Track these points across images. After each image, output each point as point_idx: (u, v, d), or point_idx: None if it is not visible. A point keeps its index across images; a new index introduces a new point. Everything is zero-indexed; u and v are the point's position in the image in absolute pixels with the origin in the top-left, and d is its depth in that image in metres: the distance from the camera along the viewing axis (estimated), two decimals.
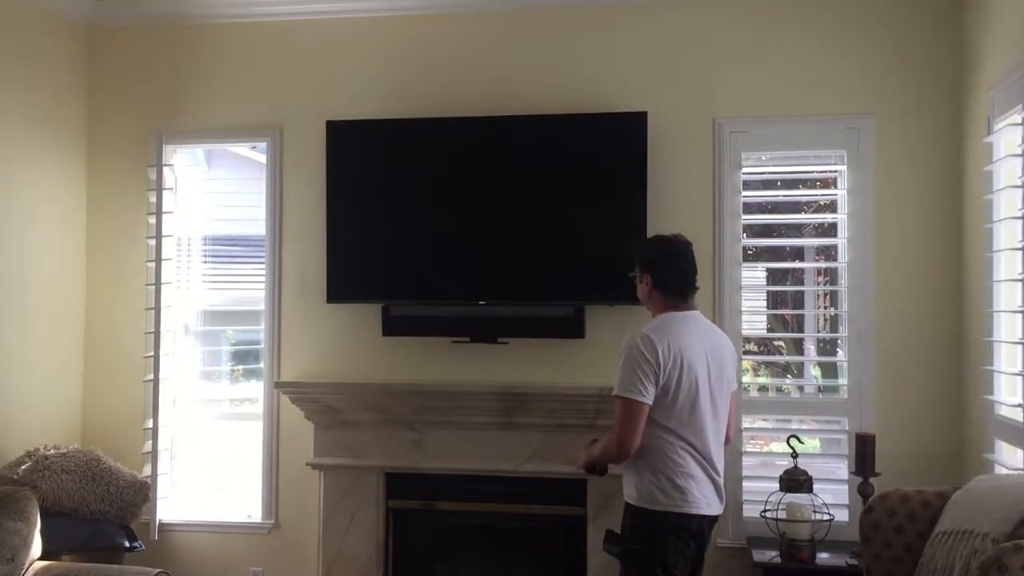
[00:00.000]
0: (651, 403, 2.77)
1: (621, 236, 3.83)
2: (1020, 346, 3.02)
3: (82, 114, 4.35)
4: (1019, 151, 2.99)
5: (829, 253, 4.34)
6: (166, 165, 4.26)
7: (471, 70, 4.13)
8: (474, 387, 3.95)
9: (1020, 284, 3.00)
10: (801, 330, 4.95)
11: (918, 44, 3.81)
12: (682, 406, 2.79)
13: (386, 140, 4.06)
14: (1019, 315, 3.03)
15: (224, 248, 4.58)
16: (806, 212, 4.54)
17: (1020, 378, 3.02)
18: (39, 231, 4.07)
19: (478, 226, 4.00)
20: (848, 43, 3.86)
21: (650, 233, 3.72)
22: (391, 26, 4.19)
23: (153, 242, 4.23)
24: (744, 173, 3.95)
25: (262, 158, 4.36)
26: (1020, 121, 2.98)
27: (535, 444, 3.94)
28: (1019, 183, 2.99)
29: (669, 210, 3.88)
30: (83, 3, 4.26)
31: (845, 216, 3.88)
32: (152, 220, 4.24)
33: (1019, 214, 3.00)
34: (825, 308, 4.44)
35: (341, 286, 4.07)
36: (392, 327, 4.07)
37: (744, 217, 3.96)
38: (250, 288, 4.46)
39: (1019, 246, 3.00)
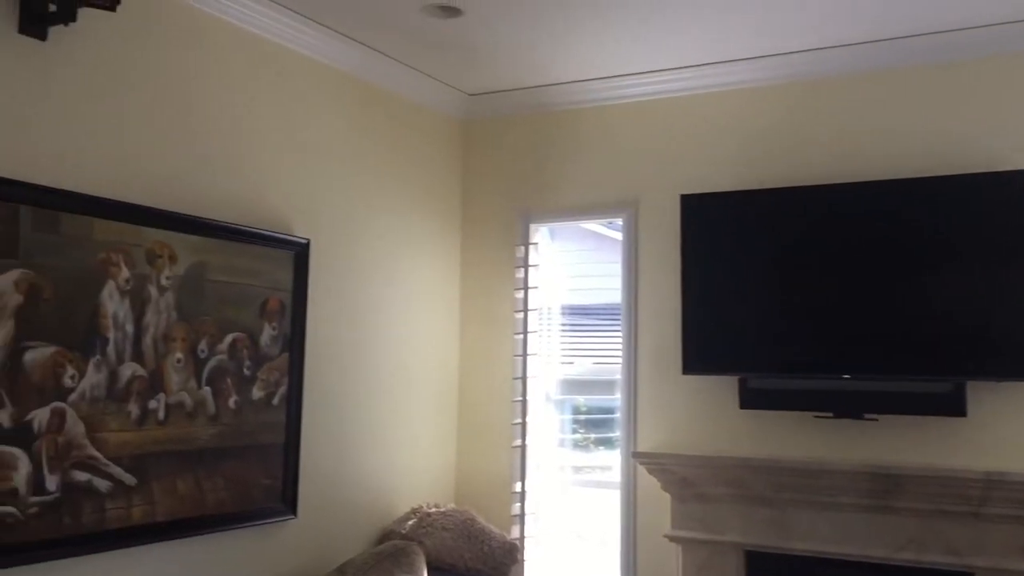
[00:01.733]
0: None
1: (1008, 305, 3.51)
2: None
3: (457, 197, 4.79)
4: None
5: None
6: (531, 244, 4.55)
7: (827, 136, 4.02)
8: (840, 466, 3.75)
9: None
10: None
11: None
12: None
13: (742, 211, 4.05)
14: None
15: (580, 319, 4.79)
16: None
17: None
18: (420, 305, 4.50)
19: (840, 296, 3.83)
20: None
21: None
22: (743, 99, 4.20)
23: (520, 315, 4.51)
24: None
25: (607, 231, 4.54)
26: None
27: (911, 531, 3.66)
28: None
29: None
30: (458, 99, 4.71)
31: None
32: (519, 295, 4.54)
33: None
34: None
35: (697, 358, 4.07)
36: (750, 400, 4.00)
37: None
38: (605, 358, 4.60)
39: None
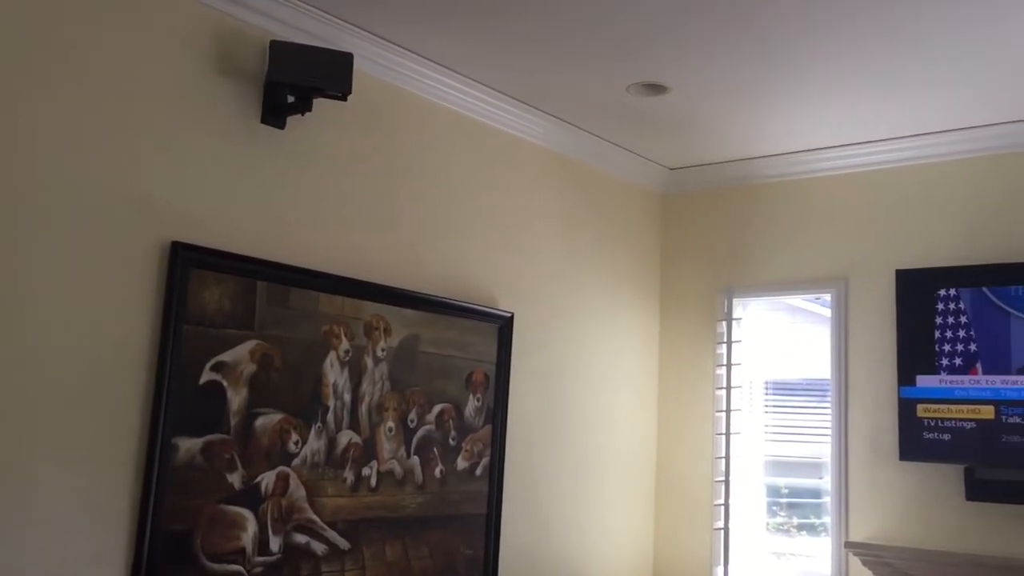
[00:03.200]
0: None
1: None
2: None
3: (656, 271, 4.76)
4: None
5: None
6: (734, 319, 4.45)
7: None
8: None
9: None
10: None
11: None
12: None
13: (961, 287, 3.81)
14: None
15: (784, 398, 4.61)
16: None
17: None
18: (619, 381, 4.47)
19: None
20: None
21: None
22: (957, 170, 3.99)
23: (722, 392, 4.40)
24: None
25: (809, 304, 4.37)
26: None
27: None
28: None
29: None
30: (660, 174, 4.72)
31: None
32: (721, 371, 4.43)
33: None
34: None
35: (916, 444, 3.82)
36: (977, 491, 3.69)
37: None
38: (812, 440, 4.39)
39: None
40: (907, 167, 4.12)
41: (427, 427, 3.51)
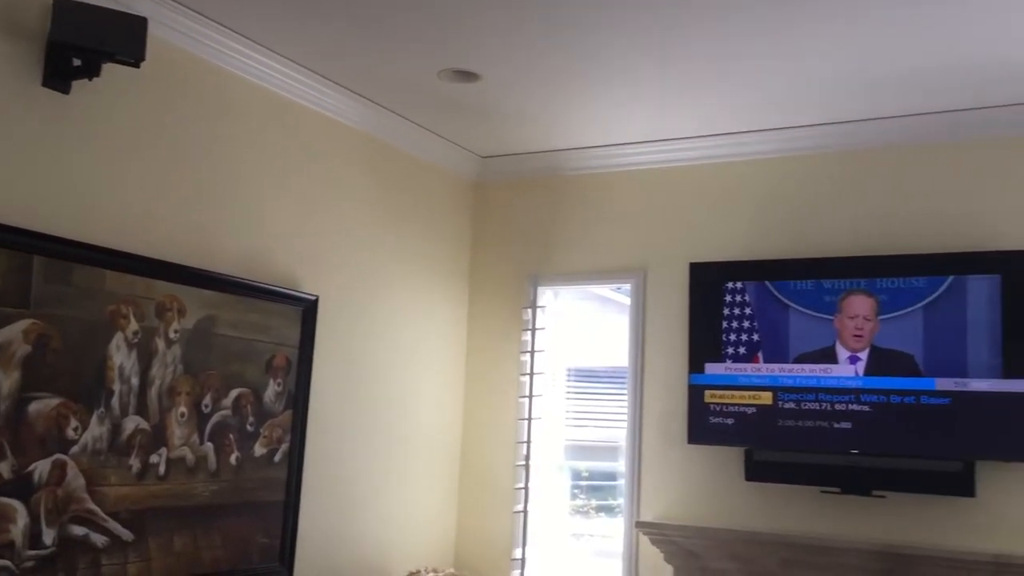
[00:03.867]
0: None
1: (1019, 385, 3.50)
2: None
3: (466, 258, 4.80)
4: None
5: None
6: (539, 306, 4.55)
7: (834, 208, 4.05)
8: (849, 543, 3.70)
9: None
10: None
11: None
12: None
13: (749, 281, 4.06)
14: None
15: (585, 384, 4.76)
16: None
17: None
18: (425, 365, 4.48)
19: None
20: None
21: None
22: (752, 169, 4.23)
23: (526, 379, 4.49)
24: None
25: (615, 295, 4.55)
26: None
27: None
28: None
29: None
30: (471, 161, 4.76)
31: None
32: (524, 358, 4.52)
33: None
34: None
35: (703, 428, 4.05)
36: (755, 472, 3.96)
37: None
38: (611, 425, 4.56)
39: None
40: (703, 165, 4.33)
41: (223, 412, 3.39)
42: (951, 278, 3.69)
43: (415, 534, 4.35)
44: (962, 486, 3.60)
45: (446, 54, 3.50)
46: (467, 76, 3.68)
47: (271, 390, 3.58)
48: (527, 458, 4.42)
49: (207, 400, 3.32)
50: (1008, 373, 3.55)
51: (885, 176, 3.98)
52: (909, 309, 3.77)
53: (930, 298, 3.73)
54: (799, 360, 3.94)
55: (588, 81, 3.68)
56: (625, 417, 4.36)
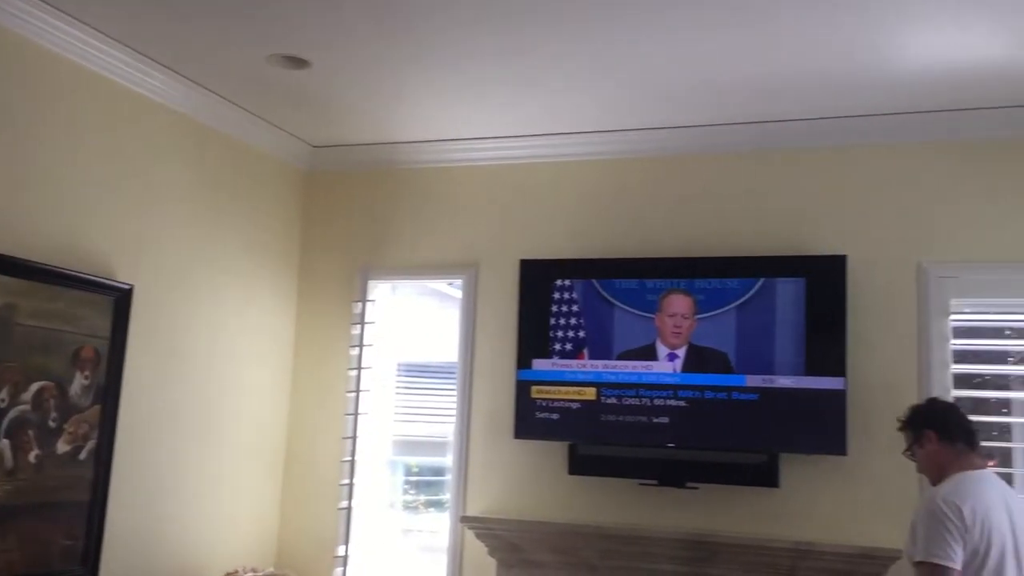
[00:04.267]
0: (960, 570, 2.62)
1: (818, 382, 3.73)
2: None
3: (296, 250, 4.68)
4: None
5: None
6: (369, 300, 4.50)
7: (660, 210, 4.19)
8: (661, 533, 3.84)
9: None
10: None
11: None
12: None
13: (578, 279, 4.15)
14: None
15: (416, 379, 4.75)
16: (1012, 363, 4.23)
17: None
18: (250, 360, 4.35)
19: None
20: None
21: (851, 380, 3.70)
22: (584, 170, 4.33)
23: (354, 373, 4.43)
24: (953, 320, 3.77)
25: (450, 290, 4.56)
26: None
27: None
28: None
29: (870, 357, 3.76)
30: (303, 152, 4.65)
31: None
32: (354, 352, 4.46)
33: None
34: None
35: (529, 423, 4.11)
36: (578, 466, 4.05)
37: (954, 367, 3.75)
38: (440, 420, 4.57)
39: None
40: (535, 163, 4.40)
41: (22, 407, 3.17)
42: (762, 280, 3.89)
43: (234, 533, 4.22)
44: (767, 477, 3.80)
45: (274, 39, 3.41)
46: (297, 62, 3.59)
47: (78, 384, 3.39)
48: (353, 454, 4.36)
49: (3, 394, 3.11)
50: (810, 371, 3.77)
51: (705, 181, 4.16)
52: (723, 309, 3.95)
53: (743, 299, 3.92)
54: (622, 357, 4.06)
55: (420, 74, 3.66)
56: (454, 412, 4.37)
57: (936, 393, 3.63)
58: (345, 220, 4.67)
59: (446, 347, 4.50)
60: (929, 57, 3.29)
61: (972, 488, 2.72)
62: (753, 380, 3.86)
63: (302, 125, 4.37)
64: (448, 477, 4.38)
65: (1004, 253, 3.72)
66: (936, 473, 2.85)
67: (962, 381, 3.82)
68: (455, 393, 4.38)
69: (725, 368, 3.91)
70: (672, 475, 3.92)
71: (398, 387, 4.69)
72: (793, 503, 3.81)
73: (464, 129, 4.30)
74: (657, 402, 3.97)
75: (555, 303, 4.17)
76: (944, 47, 3.21)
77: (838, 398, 3.71)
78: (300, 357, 4.64)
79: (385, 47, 3.41)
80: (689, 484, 3.88)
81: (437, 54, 3.45)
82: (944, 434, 2.85)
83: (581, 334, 4.13)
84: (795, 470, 3.80)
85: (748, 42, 3.25)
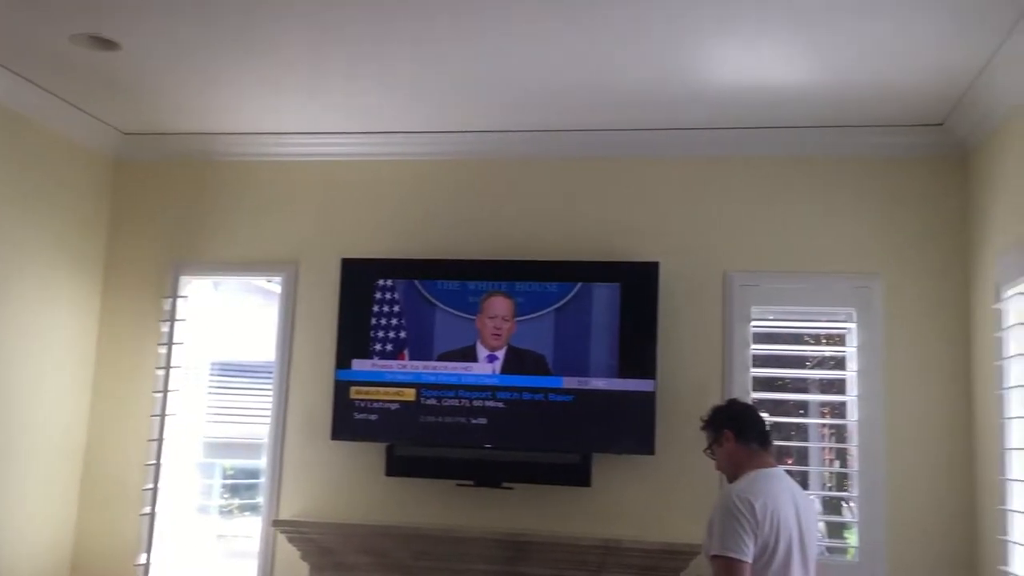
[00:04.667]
0: (751, 563, 2.73)
1: (630, 384, 3.85)
2: None
3: (102, 242, 4.43)
4: None
5: (837, 410, 4.31)
6: (180, 297, 4.31)
7: (482, 213, 4.23)
8: (475, 533, 3.87)
9: None
10: (805, 486, 4.84)
11: (927, 209, 3.88)
12: (777, 568, 2.76)
13: (397, 279, 4.12)
14: None
15: (230, 379, 4.58)
16: (809, 367, 4.52)
17: None
18: (48, 355, 4.08)
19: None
20: (858, 204, 3.95)
21: (660, 382, 3.83)
22: (406, 170, 4.31)
23: (162, 372, 4.23)
24: (754, 326, 3.98)
25: (271, 286, 4.44)
26: None
27: None
28: None
29: (679, 360, 3.92)
30: (112, 139, 4.40)
31: (855, 373, 3.88)
32: (163, 351, 4.26)
33: None
34: (830, 463, 4.38)
35: (347, 424, 4.05)
36: (396, 468, 4.02)
37: (753, 370, 3.96)
38: (255, 421, 4.42)
39: None
40: (360, 161, 4.34)
41: None
42: (579, 285, 3.99)
43: (24, 541, 3.94)
44: (580, 477, 3.89)
45: (79, 18, 3.21)
46: (104, 43, 3.40)
47: None
48: (159, 457, 4.16)
49: None
50: (623, 373, 3.90)
51: (529, 185, 4.22)
52: (542, 312, 4.02)
53: (561, 302, 4.00)
54: (442, 358, 4.06)
55: (240, 63, 3.54)
56: (269, 413, 4.25)
57: (738, 395, 3.83)
58: (158, 212, 4.46)
59: (263, 346, 4.37)
60: (739, 75, 3.47)
61: (764, 485, 2.87)
62: (569, 382, 3.94)
63: (111, 111, 4.14)
64: (263, 480, 4.24)
65: (802, 264, 3.96)
66: (732, 471, 2.99)
67: (763, 383, 4.05)
68: (271, 393, 4.26)
69: (543, 370, 3.97)
70: (489, 476, 3.95)
71: (211, 387, 4.52)
72: (604, 502, 3.91)
73: (287, 123, 4.19)
74: (476, 403, 4.00)
75: (376, 303, 4.12)
76: (753, 67, 3.39)
77: (648, 400, 3.85)
78: (104, 356, 4.38)
79: (201, 32, 3.28)
80: (505, 484, 3.92)
81: (258, 43, 3.35)
82: (740, 435, 2.98)
83: (402, 334, 4.11)
84: (606, 469, 3.91)
85: (571, 52, 3.32)
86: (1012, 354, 3.19)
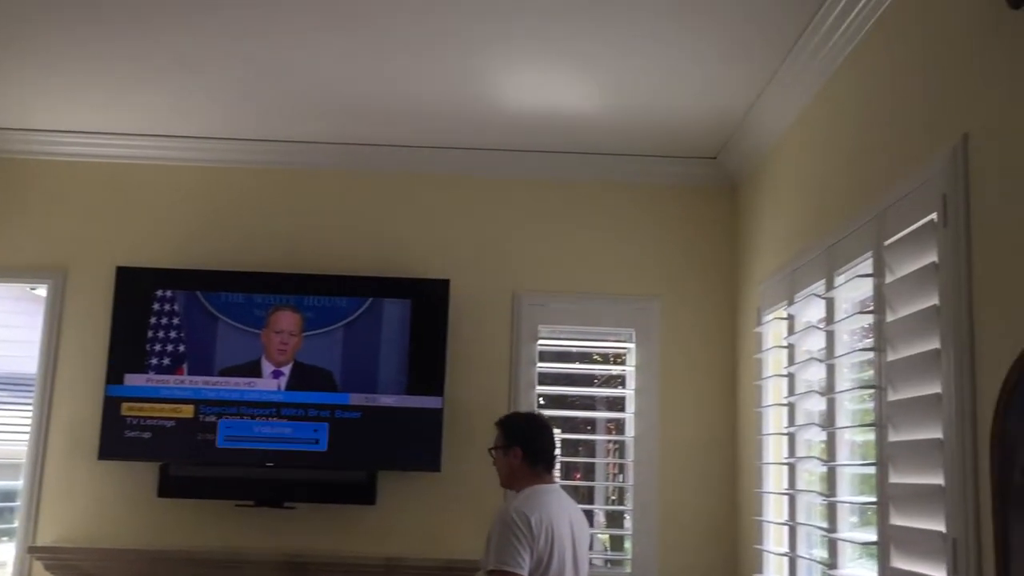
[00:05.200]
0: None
1: (418, 401, 3.85)
2: (786, 527, 3.20)
3: None
4: (784, 343, 3.26)
5: (619, 426, 4.49)
6: None
7: (272, 225, 4.12)
8: (254, 556, 3.74)
9: (785, 468, 3.21)
10: (591, 500, 5.01)
11: (702, 238, 4.12)
12: None
13: (177, 290, 3.94)
14: (785, 497, 3.22)
15: None
16: (598, 384, 4.69)
17: (786, 559, 3.18)
18: None
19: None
20: (641, 230, 4.13)
21: (448, 399, 3.84)
22: (193, 176, 4.13)
23: None
24: (540, 345, 4.08)
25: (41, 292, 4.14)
26: (785, 316, 3.26)
27: None
28: (784, 372, 3.24)
29: (467, 378, 3.96)
30: None
31: (633, 391, 4.05)
32: None
33: (784, 401, 3.24)
34: (614, 477, 4.55)
35: (117, 442, 3.81)
36: (170, 488, 3.83)
37: (539, 388, 4.06)
38: (12, 440, 4.09)
39: (784, 431, 3.22)
40: (139, 165, 4.12)
41: None
42: (369, 300, 3.95)
43: None
44: (365, 495, 3.85)
45: None
46: None
47: None
48: None
49: None
50: (411, 390, 3.89)
51: (319, 197, 4.15)
52: (331, 327, 3.95)
53: (350, 318, 3.95)
54: (225, 373, 3.91)
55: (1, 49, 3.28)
56: (28, 430, 3.93)
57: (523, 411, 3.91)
58: None
59: (22, 357, 4.05)
60: (532, 100, 3.56)
61: (541, 500, 2.94)
62: (357, 399, 3.89)
63: None
64: (19, 503, 3.92)
65: (588, 285, 4.10)
66: (510, 482, 3.05)
67: (554, 401, 4.15)
68: (31, 408, 3.94)
69: (330, 386, 3.90)
70: (270, 495, 3.83)
71: None
72: (389, 519, 3.89)
73: (59, 120, 3.92)
74: (259, 420, 3.87)
75: (155, 315, 3.92)
76: (545, 93, 3.49)
77: (436, 416, 3.85)
78: None
79: None
80: (287, 504, 3.82)
81: (29, 32, 3.10)
82: (529, 455, 3.04)
83: (181, 348, 3.92)
84: (392, 487, 3.89)
85: (364, 65, 3.29)
86: (770, 375, 3.43)
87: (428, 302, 3.95)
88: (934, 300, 2.10)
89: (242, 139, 4.04)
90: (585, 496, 4.80)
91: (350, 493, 3.86)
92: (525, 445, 3.04)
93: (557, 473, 3.32)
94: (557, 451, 3.18)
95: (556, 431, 4.65)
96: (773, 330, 3.44)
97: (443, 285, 3.96)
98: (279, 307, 3.96)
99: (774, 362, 3.43)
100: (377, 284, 3.98)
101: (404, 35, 3.07)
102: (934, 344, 2.10)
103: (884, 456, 2.32)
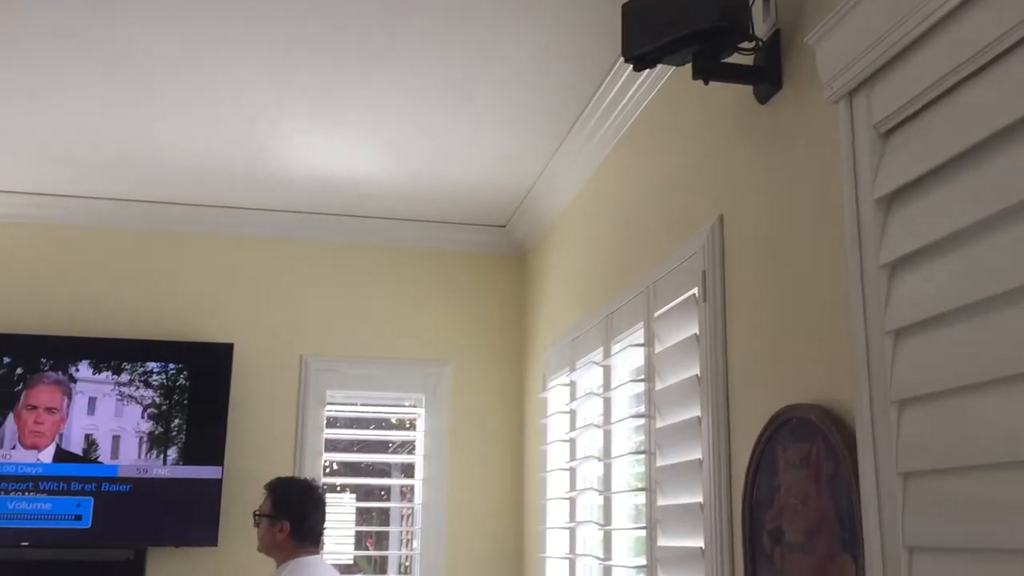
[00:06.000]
0: None
1: (195, 471, 3.65)
2: None
3: None
4: (566, 409, 3.34)
5: (412, 493, 4.43)
6: None
7: (37, 284, 3.85)
8: None
9: (567, 532, 3.26)
10: (384, 570, 4.90)
11: (491, 304, 4.20)
12: None
13: None
14: (565, 561, 3.27)
15: None
16: (392, 449, 4.63)
17: None
18: None
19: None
20: (432, 296, 4.15)
21: (228, 468, 3.66)
22: None
23: None
24: (328, 411, 3.99)
25: None
26: (567, 382, 3.34)
27: None
28: (566, 438, 3.31)
29: (251, 446, 3.81)
30: None
31: (422, 457, 4.03)
32: None
33: (566, 466, 3.30)
34: (408, 545, 4.48)
35: None
36: None
37: (327, 455, 3.96)
38: None
39: (565, 496, 3.28)
40: None
41: None
42: (144, 365, 3.74)
43: None
44: (132, 574, 3.58)
45: None
46: None
47: None
48: None
49: None
50: (188, 460, 3.69)
51: (94, 256, 3.91)
52: (101, 394, 3.70)
53: (122, 384, 3.72)
54: None
55: None
56: None
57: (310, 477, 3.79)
58: None
59: None
60: (318, 164, 3.52)
61: (306, 572, 2.87)
62: (127, 470, 3.65)
63: None
64: None
65: (378, 350, 4.06)
66: (270, 552, 2.96)
67: (347, 467, 4.04)
68: None
69: (96, 457, 3.64)
70: None
71: None
72: None
73: None
74: (14, 496, 3.54)
75: None
76: (334, 157, 3.46)
77: (214, 487, 3.67)
78: None
79: None
80: None
81: None
82: (296, 531, 2.94)
83: None
84: (163, 565, 3.65)
85: (140, 121, 3.16)
86: (552, 440, 3.50)
87: (209, 367, 3.79)
88: (695, 370, 2.22)
89: (11, 192, 3.77)
90: (378, 565, 4.69)
91: (116, 573, 3.58)
92: (295, 522, 2.94)
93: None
94: (326, 525, 3.09)
95: (349, 497, 4.60)
96: (557, 396, 3.53)
97: (226, 349, 3.81)
98: (38, 376, 3.67)
99: (558, 427, 3.51)
100: (153, 348, 3.77)
101: (185, 97, 2.97)
102: (696, 412, 2.21)
103: (653, 519, 2.41)
